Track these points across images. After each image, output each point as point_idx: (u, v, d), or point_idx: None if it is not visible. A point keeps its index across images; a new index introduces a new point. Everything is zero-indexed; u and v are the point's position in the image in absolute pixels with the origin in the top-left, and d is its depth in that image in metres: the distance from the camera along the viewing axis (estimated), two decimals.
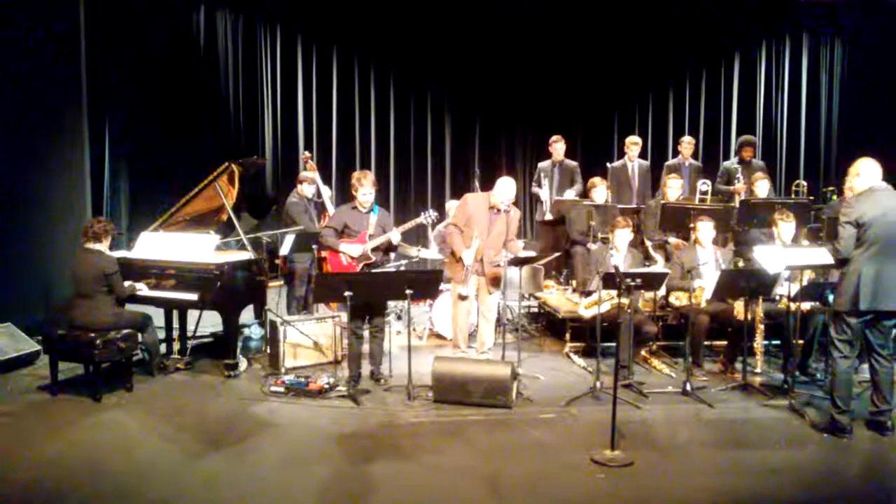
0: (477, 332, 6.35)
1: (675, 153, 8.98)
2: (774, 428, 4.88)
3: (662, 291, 6.18)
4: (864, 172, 4.73)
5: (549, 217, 8.25)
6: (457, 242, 6.02)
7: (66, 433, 4.72)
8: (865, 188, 4.70)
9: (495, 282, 6.14)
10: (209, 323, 6.79)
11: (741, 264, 6.48)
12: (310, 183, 7.48)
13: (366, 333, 5.81)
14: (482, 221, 6.01)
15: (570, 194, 8.34)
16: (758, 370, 5.98)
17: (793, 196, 8.34)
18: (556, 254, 7.94)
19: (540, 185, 8.49)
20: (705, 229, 6.19)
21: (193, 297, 5.78)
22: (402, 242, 6.57)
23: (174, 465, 4.26)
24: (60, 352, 5.41)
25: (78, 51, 7.04)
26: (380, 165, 10.89)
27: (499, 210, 6.03)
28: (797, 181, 8.68)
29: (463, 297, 6.07)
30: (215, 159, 6.46)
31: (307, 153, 8.29)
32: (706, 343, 6.33)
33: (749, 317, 5.74)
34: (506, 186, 6.01)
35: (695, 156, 9.00)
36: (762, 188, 7.27)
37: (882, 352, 4.72)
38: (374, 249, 5.89)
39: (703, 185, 7.81)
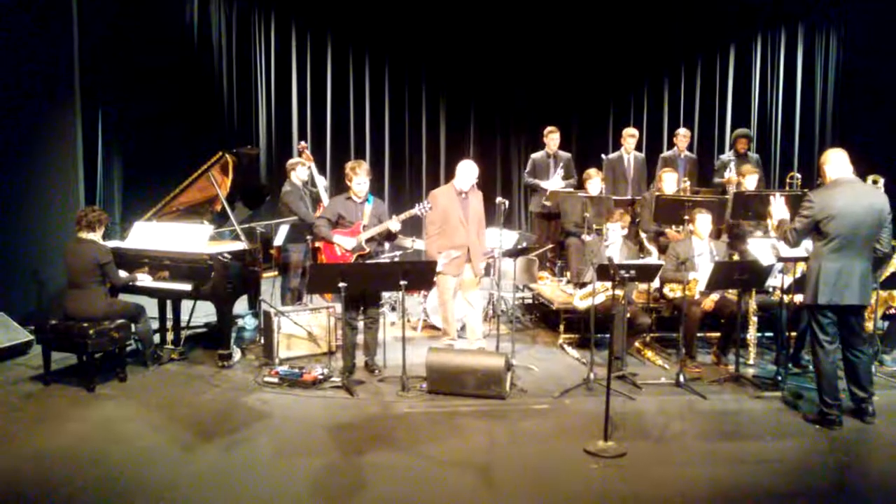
0: (466, 323, 6.37)
1: (671, 145, 8.98)
2: (766, 419, 4.91)
3: (656, 283, 6.20)
4: (832, 164, 4.74)
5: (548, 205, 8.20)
6: (433, 249, 6.08)
7: (58, 423, 4.72)
8: (831, 180, 4.71)
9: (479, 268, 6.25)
10: (203, 313, 6.79)
11: (736, 257, 6.50)
12: (301, 166, 7.43)
13: (360, 324, 5.82)
14: (456, 210, 6.07)
15: (561, 184, 8.31)
16: (750, 362, 6.02)
17: (787, 188, 8.36)
18: (550, 245, 7.97)
19: (534, 176, 8.48)
20: (703, 221, 6.19)
21: (187, 287, 5.77)
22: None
23: (167, 455, 4.26)
24: (53, 341, 5.39)
25: (70, 40, 6.98)
26: (374, 155, 10.86)
27: (466, 194, 6.11)
28: (791, 173, 8.70)
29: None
30: (209, 149, 6.43)
31: (303, 143, 8.26)
32: (699, 335, 6.35)
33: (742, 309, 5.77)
34: (467, 169, 6.10)
35: (690, 147, 9.00)
36: (751, 182, 7.29)
37: (859, 345, 4.73)
38: (369, 240, 5.88)
39: (683, 182, 7.90)
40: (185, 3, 9.65)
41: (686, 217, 6.56)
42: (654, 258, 6.30)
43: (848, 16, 10.37)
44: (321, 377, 5.44)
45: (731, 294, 5.98)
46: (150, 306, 6.09)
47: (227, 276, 5.79)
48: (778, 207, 5.02)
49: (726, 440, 4.61)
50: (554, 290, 7.26)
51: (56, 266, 6.17)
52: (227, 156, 6.19)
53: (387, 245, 6.77)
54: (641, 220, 7.42)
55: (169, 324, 6.46)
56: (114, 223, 8.09)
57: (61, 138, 7.04)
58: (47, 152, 6.96)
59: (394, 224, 5.87)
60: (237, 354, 6.08)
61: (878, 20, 9.87)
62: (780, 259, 5.41)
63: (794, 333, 5.89)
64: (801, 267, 5.61)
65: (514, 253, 6.84)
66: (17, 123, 6.69)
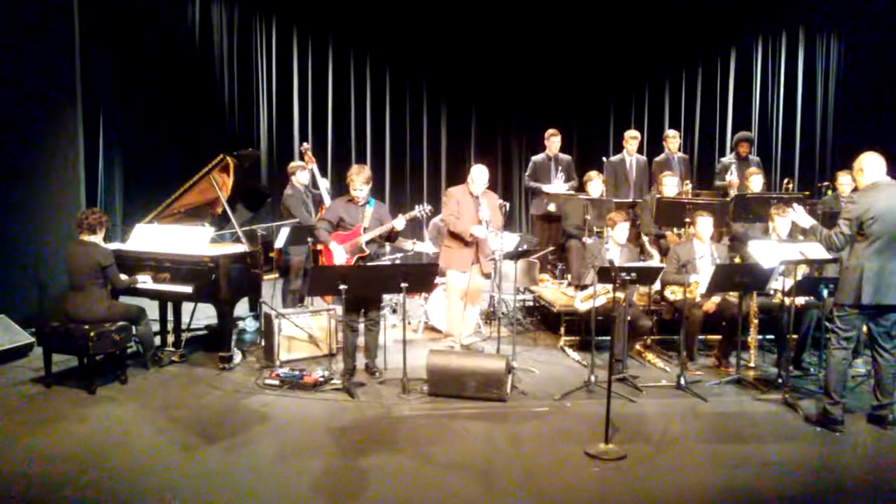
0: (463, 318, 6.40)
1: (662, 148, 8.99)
2: (768, 422, 4.91)
3: (657, 286, 6.20)
4: (868, 167, 4.71)
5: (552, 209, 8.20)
6: (460, 224, 6.16)
7: (59, 425, 4.71)
8: (870, 183, 4.69)
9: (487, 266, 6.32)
10: (203, 315, 6.79)
11: (737, 259, 6.50)
12: (302, 170, 7.46)
13: (361, 326, 5.82)
14: (470, 209, 6.19)
15: (563, 187, 8.32)
16: (752, 364, 6.00)
17: (785, 191, 8.35)
18: (551, 247, 7.96)
19: (535, 179, 8.48)
20: (705, 224, 6.19)
21: (188, 289, 5.77)
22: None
23: (168, 457, 4.26)
24: (54, 344, 5.39)
25: (72, 43, 6.99)
26: (375, 158, 10.88)
27: (479, 197, 6.23)
28: (787, 179, 8.69)
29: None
30: (210, 151, 6.43)
31: (305, 145, 8.27)
32: (700, 337, 6.35)
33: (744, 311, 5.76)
34: (481, 172, 6.22)
35: (689, 149, 9.00)
36: (755, 183, 7.31)
37: (885, 345, 4.73)
38: (370, 242, 5.88)
39: (685, 185, 7.91)
40: (187, 6, 9.68)
41: (687, 220, 6.55)
42: (655, 261, 6.30)
43: (848, 20, 10.39)
44: (322, 379, 5.44)
45: (732, 297, 5.98)
46: (151, 308, 6.09)
47: (227, 278, 5.79)
48: (801, 217, 5.04)
49: (727, 443, 4.60)
50: (555, 292, 7.26)
51: (57, 268, 6.17)
52: (227, 158, 6.19)
53: (388, 247, 6.74)
54: (642, 223, 7.42)
55: (170, 326, 6.47)
56: (115, 225, 8.10)
57: (62, 140, 7.04)
58: (48, 154, 6.97)
59: (399, 222, 5.89)
60: (238, 357, 6.08)
61: (878, 25, 9.89)
62: (808, 261, 5.36)
63: (795, 336, 5.88)
64: (801, 269, 5.61)
65: (515, 255, 6.84)
66: (18, 125, 6.70)
